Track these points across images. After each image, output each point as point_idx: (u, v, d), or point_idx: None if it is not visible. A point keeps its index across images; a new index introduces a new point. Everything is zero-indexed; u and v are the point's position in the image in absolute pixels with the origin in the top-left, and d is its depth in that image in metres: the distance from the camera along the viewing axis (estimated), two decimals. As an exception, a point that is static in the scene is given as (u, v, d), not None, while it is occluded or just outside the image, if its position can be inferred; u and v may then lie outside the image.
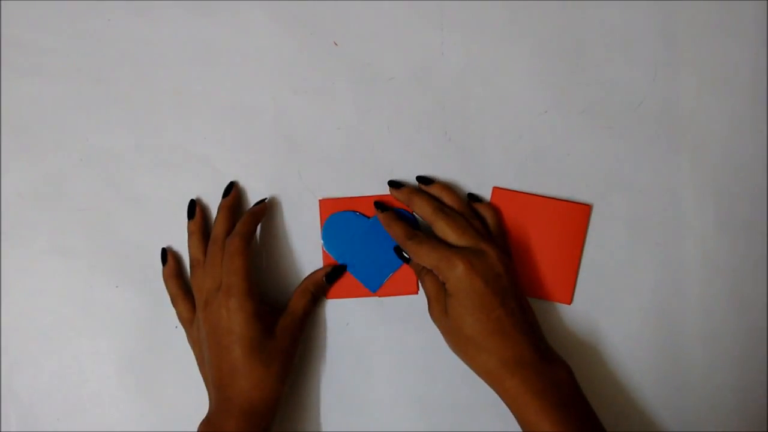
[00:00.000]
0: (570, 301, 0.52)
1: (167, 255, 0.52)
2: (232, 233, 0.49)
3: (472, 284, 0.45)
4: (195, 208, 0.52)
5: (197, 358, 0.50)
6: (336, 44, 0.54)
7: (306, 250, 0.53)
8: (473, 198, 0.52)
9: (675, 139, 0.53)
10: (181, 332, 0.53)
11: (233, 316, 0.46)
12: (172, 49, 0.54)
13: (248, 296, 0.47)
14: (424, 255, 0.47)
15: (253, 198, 0.53)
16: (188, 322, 0.50)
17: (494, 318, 0.45)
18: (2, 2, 0.54)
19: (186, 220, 0.52)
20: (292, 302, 0.50)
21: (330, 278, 0.52)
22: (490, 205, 0.52)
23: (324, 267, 0.52)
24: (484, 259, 0.45)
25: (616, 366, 0.52)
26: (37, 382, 0.53)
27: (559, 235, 0.52)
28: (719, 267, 0.53)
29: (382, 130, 0.53)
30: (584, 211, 0.52)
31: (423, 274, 0.49)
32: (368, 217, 0.53)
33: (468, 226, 0.48)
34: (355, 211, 0.53)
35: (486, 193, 0.53)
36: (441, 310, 0.47)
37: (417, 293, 0.52)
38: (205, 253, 0.51)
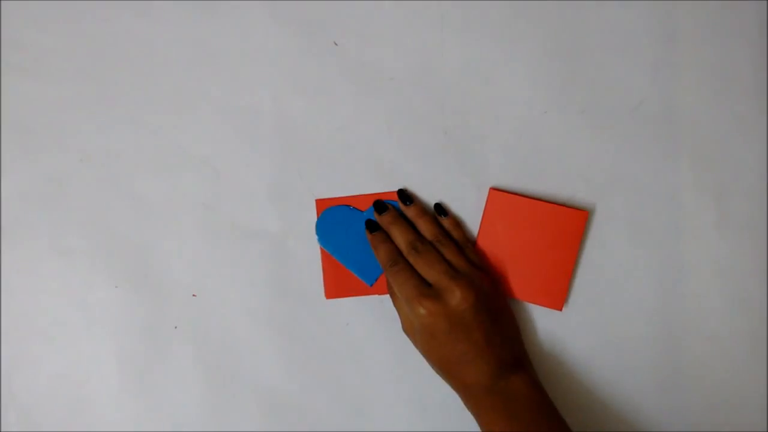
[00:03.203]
0: (561, 308, 0.52)
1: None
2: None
3: (435, 326, 0.47)
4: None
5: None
6: (336, 44, 0.54)
7: (305, 249, 0.53)
8: (439, 210, 0.52)
9: (675, 139, 0.53)
10: (181, 332, 0.53)
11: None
12: (172, 49, 0.54)
13: None
14: (397, 286, 0.49)
15: (256, 199, 0.53)
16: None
17: (459, 351, 0.47)
18: (2, 2, 0.54)
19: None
20: None
21: None
22: (453, 219, 0.52)
23: None
24: (446, 301, 0.47)
25: (615, 366, 0.52)
26: (37, 382, 0.53)
27: (555, 240, 0.52)
28: (719, 267, 0.53)
29: (382, 130, 0.53)
30: (581, 217, 0.52)
31: (390, 292, 0.51)
32: (362, 211, 0.53)
33: (436, 261, 0.49)
34: (348, 205, 0.53)
35: (485, 194, 0.53)
36: (411, 330, 0.50)
37: None
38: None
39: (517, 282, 0.52)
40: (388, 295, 0.53)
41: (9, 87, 0.54)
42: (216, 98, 0.54)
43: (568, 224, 0.52)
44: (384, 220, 0.52)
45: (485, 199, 0.52)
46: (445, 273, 0.48)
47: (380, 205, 0.52)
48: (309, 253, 0.53)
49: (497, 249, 0.52)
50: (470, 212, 0.53)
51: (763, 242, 0.53)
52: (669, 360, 0.52)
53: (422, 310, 0.47)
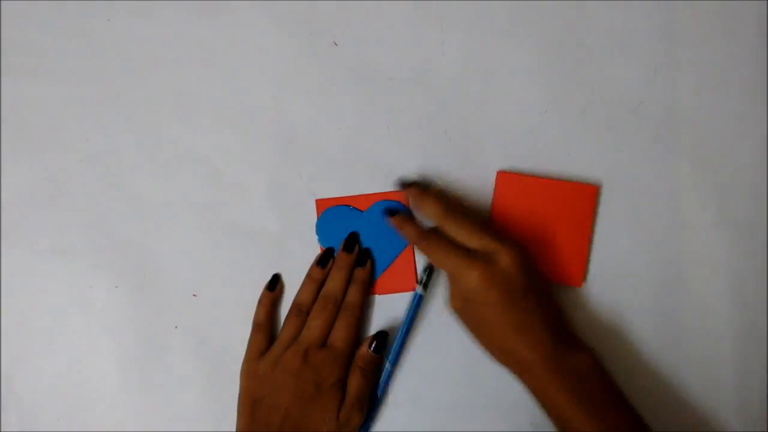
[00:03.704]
0: (581, 284, 0.52)
1: (278, 282, 0.52)
2: (352, 304, 0.50)
3: (488, 294, 0.44)
4: (333, 254, 0.52)
5: (251, 392, 0.49)
6: (336, 44, 0.54)
7: (305, 250, 0.53)
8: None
9: (675, 139, 0.53)
10: (181, 332, 0.53)
11: (332, 389, 0.48)
12: (172, 49, 0.54)
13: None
14: (438, 260, 0.46)
15: (256, 199, 0.53)
16: (258, 353, 0.50)
17: (513, 320, 0.44)
18: (2, 2, 0.54)
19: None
20: (348, 385, 0.50)
21: (377, 349, 0.51)
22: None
23: (368, 338, 0.51)
24: (497, 263, 0.45)
25: (615, 366, 0.52)
26: (37, 382, 0.53)
27: (567, 217, 0.51)
28: (719, 267, 0.53)
29: (382, 130, 0.53)
30: (592, 191, 0.52)
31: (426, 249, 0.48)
32: (362, 211, 0.53)
33: (476, 225, 0.47)
34: (348, 205, 0.53)
35: (487, 192, 0.53)
36: (460, 305, 0.47)
37: (415, 290, 0.52)
38: (314, 301, 0.51)
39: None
40: (388, 295, 0.53)
41: (9, 87, 0.54)
42: (216, 98, 0.54)
43: (578, 200, 0.51)
44: (411, 192, 0.50)
45: (485, 198, 0.52)
46: (488, 235, 0.45)
47: (404, 181, 0.51)
48: (309, 253, 0.53)
49: (510, 231, 0.51)
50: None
51: (763, 242, 0.53)
52: (668, 360, 0.52)
53: (473, 276, 0.44)
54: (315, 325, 0.49)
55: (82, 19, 0.54)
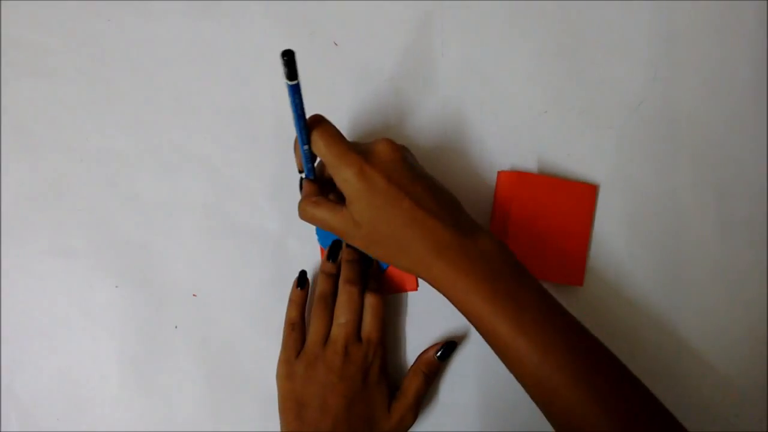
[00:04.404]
0: (582, 283, 0.52)
1: (307, 279, 0.52)
2: (373, 296, 0.50)
3: (371, 183, 0.42)
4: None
5: (295, 395, 0.48)
6: (336, 44, 0.54)
7: (305, 250, 0.53)
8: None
9: (675, 139, 0.53)
10: (181, 332, 0.53)
11: (377, 386, 0.48)
12: (172, 49, 0.54)
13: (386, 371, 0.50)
14: (319, 152, 0.44)
15: (256, 199, 0.53)
16: (295, 354, 0.49)
17: (405, 209, 0.42)
18: (2, 2, 0.54)
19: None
20: (404, 383, 0.50)
21: (443, 357, 0.51)
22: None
23: (435, 345, 0.51)
24: (375, 153, 0.43)
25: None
26: (37, 382, 0.53)
27: (568, 216, 0.51)
28: (719, 267, 0.53)
29: (382, 130, 0.53)
30: (591, 191, 0.52)
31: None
32: None
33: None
34: None
35: (488, 192, 0.53)
36: (351, 224, 0.44)
37: (417, 290, 0.52)
38: (334, 292, 0.50)
39: (536, 262, 0.50)
40: (389, 295, 0.53)
41: (9, 87, 0.54)
42: (216, 98, 0.54)
43: (579, 199, 0.51)
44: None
45: (485, 198, 0.52)
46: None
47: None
48: (309, 253, 0.53)
49: (511, 231, 0.51)
50: (470, 212, 0.53)
51: (763, 242, 0.53)
52: (669, 360, 0.52)
53: (354, 167, 0.42)
54: (347, 320, 0.48)
55: (82, 19, 0.54)
